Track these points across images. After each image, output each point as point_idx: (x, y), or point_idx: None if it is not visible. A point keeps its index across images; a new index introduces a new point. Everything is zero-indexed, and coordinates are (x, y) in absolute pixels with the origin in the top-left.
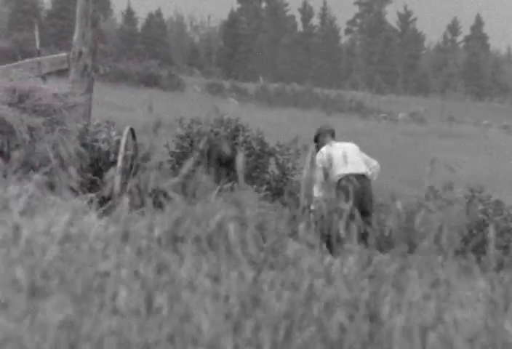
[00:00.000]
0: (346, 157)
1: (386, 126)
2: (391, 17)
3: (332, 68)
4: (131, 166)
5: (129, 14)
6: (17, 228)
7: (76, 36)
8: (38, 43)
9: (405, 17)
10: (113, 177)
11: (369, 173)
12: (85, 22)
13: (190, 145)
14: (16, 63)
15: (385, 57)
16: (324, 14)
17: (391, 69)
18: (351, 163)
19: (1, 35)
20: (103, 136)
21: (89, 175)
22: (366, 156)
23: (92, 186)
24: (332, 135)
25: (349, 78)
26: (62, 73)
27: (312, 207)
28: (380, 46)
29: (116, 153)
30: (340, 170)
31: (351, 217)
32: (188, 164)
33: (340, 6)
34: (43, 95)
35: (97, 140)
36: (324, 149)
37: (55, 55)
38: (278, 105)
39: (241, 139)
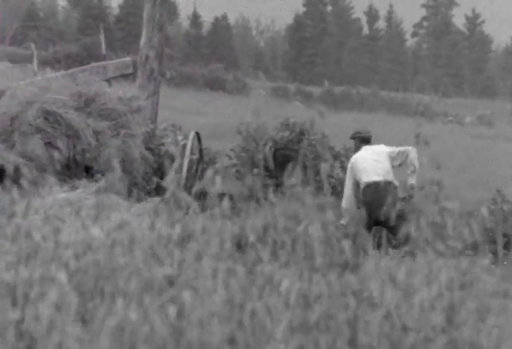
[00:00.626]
0: (373, 165)
1: (453, 130)
2: (458, 19)
3: (398, 71)
4: (196, 170)
5: (195, 18)
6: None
7: (142, 41)
8: (104, 47)
9: (472, 20)
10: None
11: (395, 180)
12: (152, 26)
13: (256, 148)
14: (82, 67)
15: (452, 60)
16: (390, 17)
17: (458, 72)
18: (377, 171)
19: (69, 40)
20: (169, 140)
21: (155, 179)
22: (398, 149)
23: (157, 190)
24: (367, 142)
25: (415, 81)
26: (127, 77)
27: (342, 221)
28: (447, 49)
29: (182, 157)
30: (366, 178)
31: (369, 225)
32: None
33: (407, 9)
34: (108, 99)
35: (162, 144)
36: (353, 158)
37: (120, 59)
38: (344, 108)
39: (305, 142)
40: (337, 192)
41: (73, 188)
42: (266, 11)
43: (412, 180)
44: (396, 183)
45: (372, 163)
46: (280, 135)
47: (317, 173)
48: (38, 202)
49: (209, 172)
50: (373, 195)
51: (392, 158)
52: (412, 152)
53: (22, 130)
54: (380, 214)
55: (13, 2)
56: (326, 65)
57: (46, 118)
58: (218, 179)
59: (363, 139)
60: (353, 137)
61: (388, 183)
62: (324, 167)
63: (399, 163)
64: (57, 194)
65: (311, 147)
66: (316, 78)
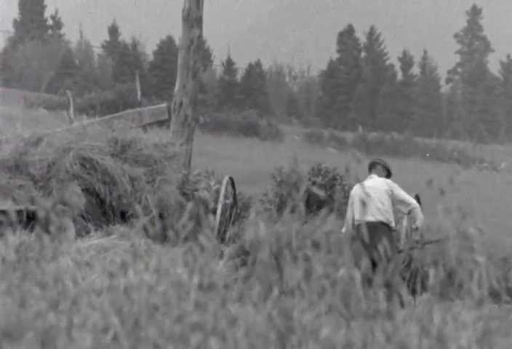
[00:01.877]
0: (366, 202)
1: (488, 176)
2: (493, 66)
3: (432, 117)
4: (230, 215)
5: (229, 65)
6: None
7: (177, 87)
8: (139, 94)
9: (508, 66)
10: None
11: (391, 220)
12: (186, 73)
13: (289, 194)
14: (118, 114)
15: (487, 106)
16: (424, 63)
17: (493, 118)
18: (371, 210)
19: (105, 86)
20: (203, 185)
21: (189, 224)
22: (402, 196)
23: (191, 234)
24: (370, 168)
25: (450, 127)
26: (161, 122)
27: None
28: (482, 95)
29: (216, 202)
30: (358, 215)
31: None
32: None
33: (441, 55)
34: (144, 146)
35: (196, 189)
36: (354, 188)
37: (156, 106)
38: (377, 154)
39: (338, 187)
40: None
41: (108, 233)
42: (300, 58)
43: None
44: (393, 224)
45: (368, 199)
46: (313, 180)
47: None
48: (72, 247)
49: (252, 215)
50: (362, 235)
51: (392, 198)
52: (417, 208)
53: (59, 177)
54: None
55: (50, 49)
56: (360, 110)
57: (82, 165)
58: (262, 224)
59: (370, 165)
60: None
61: (380, 224)
62: None
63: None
64: (92, 239)
65: (344, 192)
66: (350, 124)
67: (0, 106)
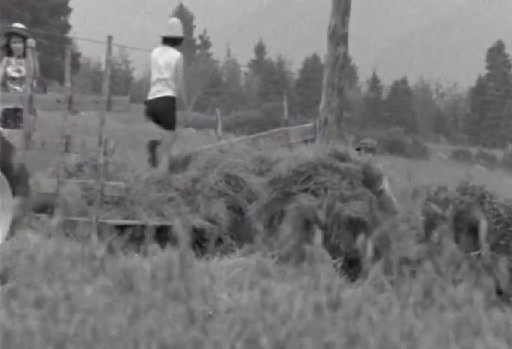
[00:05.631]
0: None
1: None
2: None
3: None
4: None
5: (375, 82)
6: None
7: (322, 105)
8: (286, 112)
9: None
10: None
11: None
12: (331, 90)
13: (435, 212)
14: (264, 133)
15: None
16: None
17: None
18: None
19: (251, 105)
20: None
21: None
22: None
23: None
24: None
25: None
26: (306, 140)
27: None
28: None
29: None
30: None
31: None
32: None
33: None
34: None
35: None
36: None
37: (303, 125)
38: None
39: (487, 206)
40: None
41: (252, 251)
42: (447, 74)
43: None
44: None
45: None
46: (460, 199)
47: (501, 237)
48: (218, 265)
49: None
50: None
51: None
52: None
53: (204, 192)
54: None
55: (198, 69)
56: (510, 127)
57: (227, 182)
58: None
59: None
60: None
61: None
62: (482, 226)
63: None
64: (236, 257)
65: (493, 210)
66: (499, 141)
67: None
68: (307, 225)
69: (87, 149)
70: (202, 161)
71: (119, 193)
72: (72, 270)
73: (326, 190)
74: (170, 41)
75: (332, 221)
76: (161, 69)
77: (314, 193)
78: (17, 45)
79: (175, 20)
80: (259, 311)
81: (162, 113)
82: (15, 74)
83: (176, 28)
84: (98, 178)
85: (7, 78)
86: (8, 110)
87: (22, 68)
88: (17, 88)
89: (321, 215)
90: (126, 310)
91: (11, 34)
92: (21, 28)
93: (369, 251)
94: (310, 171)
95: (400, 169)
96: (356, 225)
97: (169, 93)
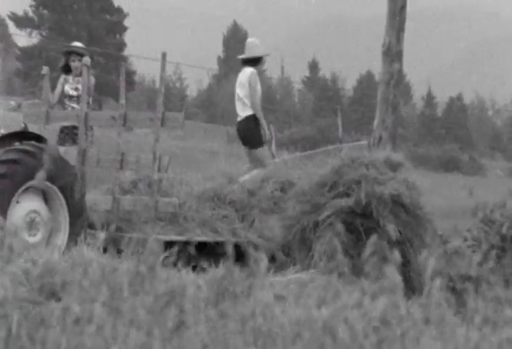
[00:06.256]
0: None
1: None
2: None
3: None
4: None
5: (430, 99)
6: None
7: (376, 122)
8: (340, 130)
9: None
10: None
11: None
12: (385, 107)
13: (493, 230)
14: (318, 150)
15: None
16: None
17: None
18: None
19: (305, 122)
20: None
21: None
22: None
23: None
24: None
25: None
26: None
27: None
28: None
29: None
30: None
31: None
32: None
33: None
34: None
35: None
36: None
37: (356, 143)
38: None
39: None
40: None
41: (307, 268)
42: (502, 91)
43: None
44: None
45: None
46: None
47: None
48: (270, 282)
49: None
50: None
51: None
52: None
53: (261, 206)
54: None
55: None
56: None
57: (283, 190)
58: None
59: None
60: None
61: None
62: None
63: None
64: (290, 273)
65: None
66: None
67: (204, 141)
68: (350, 228)
69: (142, 166)
70: (256, 177)
71: (173, 209)
72: (125, 286)
73: (358, 183)
74: (248, 62)
75: (376, 204)
76: (237, 89)
77: (347, 195)
78: (75, 63)
79: (249, 40)
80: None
81: (244, 135)
82: (73, 92)
83: (251, 49)
84: (152, 194)
85: (65, 96)
86: (66, 127)
87: (80, 86)
88: (75, 106)
89: (363, 199)
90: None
91: (70, 53)
92: (80, 47)
93: (430, 268)
94: (334, 177)
95: (457, 186)
96: (398, 207)
97: (247, 112)
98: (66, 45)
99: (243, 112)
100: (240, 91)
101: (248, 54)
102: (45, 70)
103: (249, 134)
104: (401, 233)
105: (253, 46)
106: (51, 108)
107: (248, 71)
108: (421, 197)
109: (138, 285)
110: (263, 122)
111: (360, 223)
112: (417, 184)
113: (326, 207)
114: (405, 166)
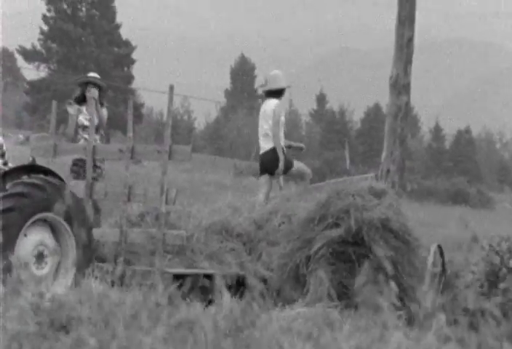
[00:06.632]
0: None
1: None
2: None
3: None
4: (439, 284)
5: (437, 132)
6: None
7: (384, 154)
8: (348, 162)
9: None
10: (425, 294)
11: None
12: (393, 140)
13: (501, 262)
14: (325, 182)
15: None
16: None
17: None
18: None
19: (312, 154)
20: None
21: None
22: None
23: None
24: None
25: None
26: None
27: None
28: None
29: (424, 270)
30: None
31: None
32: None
33: None
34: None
35: None
36: None
37: (363, 175)
38: None
39: None
40: None
41: (318, 300)
42: (510, 124)
43: None
44: None
45: None
46: None
47: None
48: (281, 315)
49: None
50: None
51: None
52: None
53: (269, 239)
54: None
55: None
56: None
57: (291, 222)
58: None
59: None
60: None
61: None
62: None
63: None
64: (299, 306)
65: None
66: None
67: (212, 174)
68: (342, 258)
69: (149, 198)
70: (266, 208)
71: (181, 241)
72: (134, 319)
73: (346, 212)
74: (272, 94)
75: (367, 229)
76: (260, 121)
77: (336, 225)
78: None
79: (274, 73)
80: None
81: (271, 166)
82: (87, 123)
83: (275, 80)
84: (160, 227)
85: (79, 126)
86: (79, 160)
87: (95, 117)
88: (87, 137)
89: (353, 226)
90: None
91: (87, 83)
92: (96, 77)
93: (429, 302)
94: (321, 210)
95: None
96: (387, 232)
97: (271, 144)
98: (83, 76)
99: (267, 144)
100: (264, 123)
101: (273, 85)
102: (54, 104)
103: (278, 164)
104: (392, 259)
105: (277, 77)
106: (73, 141)
107: (273, 103)
108: (409, 223)
109: (154, 317)
110: (281, 155)
111: (352, 251)
112: (402, 210)
113: (316, 240)
114: (389, 194)
